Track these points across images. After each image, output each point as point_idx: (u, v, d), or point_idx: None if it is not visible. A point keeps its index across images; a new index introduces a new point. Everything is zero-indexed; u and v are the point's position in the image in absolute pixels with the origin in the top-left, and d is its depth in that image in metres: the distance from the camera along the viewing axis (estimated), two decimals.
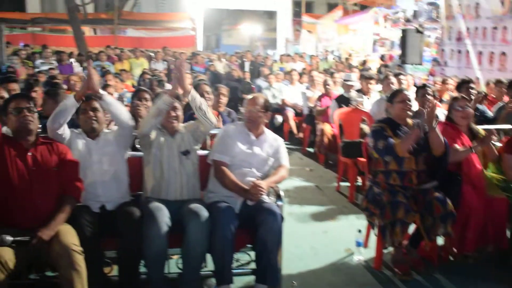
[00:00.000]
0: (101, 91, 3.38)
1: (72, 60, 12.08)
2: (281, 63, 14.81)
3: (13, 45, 14.85)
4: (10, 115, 3.07)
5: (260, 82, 11.38)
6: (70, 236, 2.90)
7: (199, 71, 11.73)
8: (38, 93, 5.75)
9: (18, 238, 2.77)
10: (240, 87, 11.58)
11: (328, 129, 7.00)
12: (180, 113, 3.63)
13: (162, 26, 20.52)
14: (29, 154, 3.05)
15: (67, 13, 16.70)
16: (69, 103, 3.32)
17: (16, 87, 5.05)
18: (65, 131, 3.38)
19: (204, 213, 3.23)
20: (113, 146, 3.51)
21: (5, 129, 3.28)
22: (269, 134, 3.76)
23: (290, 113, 9.12)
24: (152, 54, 13.64)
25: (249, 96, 3.80)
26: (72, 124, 3.49)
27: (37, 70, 10.18)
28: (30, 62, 11.22)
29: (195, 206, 3.30)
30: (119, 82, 8.23)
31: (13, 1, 23.34)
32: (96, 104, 3.47)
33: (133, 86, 9.09)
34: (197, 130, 3.65)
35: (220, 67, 14.05)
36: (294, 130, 9.01)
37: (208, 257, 3.33)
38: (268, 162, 3.67)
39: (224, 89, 5.18)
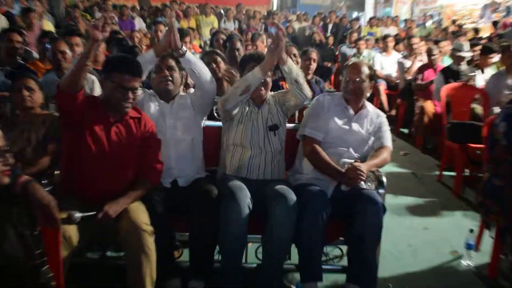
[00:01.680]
0: (184, 47, 3.32)
1: (133, 14, 12.29)
2: (370, 28, 14.39)
3: None
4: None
5: (346, 48, 11.12)
6: (141, 214, 2.91)
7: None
8: (100, 50, 5.88)
9: (86, 214, 2.78)
10: (321, 53, 11.35)
11: (430, 107, 6.74)
12: (269, 79, 3.53)
13: None
14: (115, 128, 3.06)
15: None
16: (148, 56, 3.34)
17: (79, 42, 5.12)
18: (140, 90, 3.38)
19: (292, 196, 3.14)
20: (189, 111, 3.49)
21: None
22: (370, 108, 3.62)
23: (382, 86, 8.88)
24: (221, 11, 13.62)
25: (350, 63, 3.67)
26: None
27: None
28: (88, 15, 11.50)
29: (281, 187, 3.21)
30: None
31: None
32: (173, 63, 3.45)
33: (201, 47, 9.13)
34: (287, 103, 3.55)
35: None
36: (386, 106, 8.76)
37: (293, 248, 3.25)
38: (368, 141, 3.54)
39: (314, 54, 5.06)
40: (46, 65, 5.46)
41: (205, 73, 3.41)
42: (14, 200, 2.25)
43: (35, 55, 6.19)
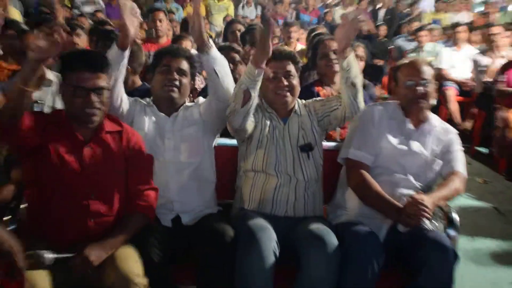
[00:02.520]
0: (210, 41, 3.36)
1: None
2: (435, 14, 14.40)
3: None
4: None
5: (403, 41, 11.12)
6: (133, 262, 2.91)
7: (310, 22, 11.69)
8: (82, 41, 5.96)
9: (61, 255, 2.80)
10: (370, 48, 11.38)
11: None
12: (296, 81, 3.55)
13: None
14: (88, 149, 3.08)
15: None
16: (113, 53, 3.33)
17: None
18: (122, 99, 3.43)
19: (332, 238, 3.14)
20: (197, 128, 3.53)
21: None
22: (436, 122, 3.62)
23: (452, 91, 8.87)
24: None
25: (405, 61, 3.67)
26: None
27: (77, 12, 10.57)
28: (67, 0, 11.69)
29: (318, 227, 3.22)
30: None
31: None
32: (185, 65, 3.52)
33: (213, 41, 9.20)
34: (331, 114, 3.57)
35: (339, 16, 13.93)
36: (457, 118, 8.73)
37: None
38: (433, 166, 3.53)
39: (361, 49, 5.07)
40: (10, 65, 5.54)
41: (229, 78, 3.44)
42: None
43: None
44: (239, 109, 3.27)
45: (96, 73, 3.01)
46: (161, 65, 3.50)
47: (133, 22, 3.26)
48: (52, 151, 2.99)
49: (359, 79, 3.41)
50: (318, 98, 3.75)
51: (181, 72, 3.51)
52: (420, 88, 3.47)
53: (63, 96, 3.09)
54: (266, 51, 3.12)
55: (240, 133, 3.50)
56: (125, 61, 3.34)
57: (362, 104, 3.47)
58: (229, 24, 7.40)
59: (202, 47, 3.33)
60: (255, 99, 3.31)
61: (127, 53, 3.32)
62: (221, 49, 4.79)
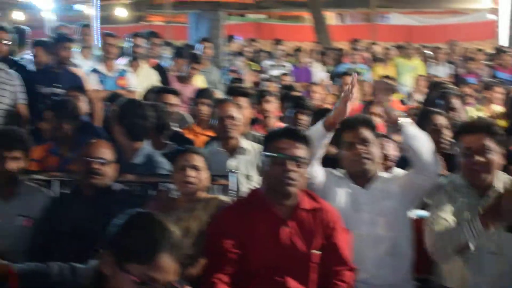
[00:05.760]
0: (403, 118, 3.44)
1: (310, 60, 12.50)
2: None
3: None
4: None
5: None
6: None
7: (507, 79, 11.23)
8: (272, 107, 6.19)
9: None
10: None
11: None
12: (494, 156, 3.36)
13: (446, 6, 20.41)
14: (285, 226, 3.18)
15: None
16: (315, 131, 3.48)
17: (246, 103, 5.39)
18: (317, 171, 3.54)
19: None
20: (395, 201, 3.55)
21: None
22: None
23: None
24: (429, 53, 13.55)
25: None
26: None
27: (263, 76, 10.76)
28: (254, 64, 12.00)
29: None
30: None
31: None
32: (368, 134, 3.57)
33: (402, 103, 9.11)
34: None
35: None
36: None
37: None
38: None
39: None
40: (203, 129, 5.86)
41: (429, 151, 3.46)
42: None
43: (188, 117, 6.55)
44: (451, 255, 3.22)
45: (296, 142, 3.14)
46: (344, 142, 3.59)
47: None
48: (250, 231, 3.15)
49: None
50: None
51: (366, 142, 3.55)
52: None
53: (262, 165, 3.27)
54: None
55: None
56: (328, 140, 3.48)
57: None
58: (435, 85, 7.30)
59: (392, 126, 3.40)
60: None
61: (331, 134, 3.46)
62: (422, 114, 4.77)
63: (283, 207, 3.20)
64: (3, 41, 6.43)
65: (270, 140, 3.25)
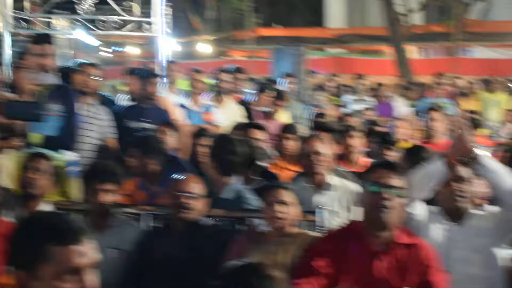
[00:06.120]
0: (480, 151, 3.43)
1: (391, 94, 12.41)
2: None
3: None
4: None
5: None
6: None
7: None
8: (356, 142, 6.15)
9: None
10: None
11: None
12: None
13: None
14: (378, 259, 3.17)
15: (385, 27, 17.75)
16: (433, 169, 3.47)
17: (330, 138, 5.42)
18: (417, 208, 3.52)
19: None
20: (489, 239, 3.50)
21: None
22: None
23: None
24: None
25: None
26: None
27: (345, 111, 10.76)
28: (336, 98, 12.05)
29: None
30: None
31: (308, 13, 26.03)
32: (465, 173, 3.53)
33: (490, 138, 8.98)
34: None
35: None
36: None
37: None
38: None
39: None
40: (288, 164, 5.88)
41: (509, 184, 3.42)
42: None
43: (271, 152, 6.56)
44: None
45: (392, 173, 3.16)
46: None
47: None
48: (343, 260, 3.14)
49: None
50: None
51: (462, 179, 3.53)
52: None
53: (360, 196, 3.33)
54: None
55: None
56: (443, 177, 3.47)
57: None
58: None
59: (468, 160, 3.39)
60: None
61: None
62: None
63: (379, 240, 3.18)
64: (92, 77, 6.64)
65: (368, 172, 3.29)
